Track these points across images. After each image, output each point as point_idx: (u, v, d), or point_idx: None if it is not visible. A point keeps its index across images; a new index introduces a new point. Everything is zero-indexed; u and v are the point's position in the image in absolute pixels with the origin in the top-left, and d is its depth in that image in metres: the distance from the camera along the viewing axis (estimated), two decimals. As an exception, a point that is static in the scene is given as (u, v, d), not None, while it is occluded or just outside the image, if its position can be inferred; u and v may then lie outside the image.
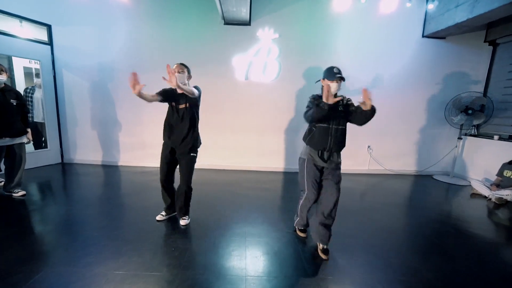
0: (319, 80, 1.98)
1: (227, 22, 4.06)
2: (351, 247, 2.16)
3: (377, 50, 4.24)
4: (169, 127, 2.27)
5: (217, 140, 4.44)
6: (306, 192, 2.04)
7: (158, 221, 2.45)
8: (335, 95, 1.87)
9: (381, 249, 2.14)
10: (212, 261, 1.88)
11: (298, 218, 2.24)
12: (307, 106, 1.97)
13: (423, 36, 4.24)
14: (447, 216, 2.94)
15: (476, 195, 3.68)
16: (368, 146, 4.59)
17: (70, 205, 2.77)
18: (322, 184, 2.02)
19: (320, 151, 1.96)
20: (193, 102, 2.25)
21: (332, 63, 4.25)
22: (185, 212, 2.43)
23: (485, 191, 3.59)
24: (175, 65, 2.22)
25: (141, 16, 4.05)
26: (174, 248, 2.01)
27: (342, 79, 1.84)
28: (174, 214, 2.58)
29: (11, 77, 4.66)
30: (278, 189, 3.68)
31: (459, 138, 4.38)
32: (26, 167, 4.04)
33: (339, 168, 2.01)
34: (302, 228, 2.29)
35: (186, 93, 2.07)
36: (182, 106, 2.21)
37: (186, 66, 2.27)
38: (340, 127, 1.93)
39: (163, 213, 2.53)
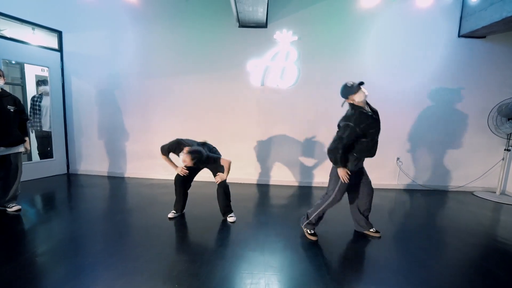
0: (344, 102, 2.11)
1: (242, 25, 3.79)
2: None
3: (407, 52, 3.82)
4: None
5: (230, 150, 4.08)
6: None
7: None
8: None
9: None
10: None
11: (311, 220, 2.29)
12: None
13: (459, 36, 3.80)
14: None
15: (535, 218, 3.10)
16: (397, 158, 4.09)
17: (69, 222, 2.47)
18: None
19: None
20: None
21: (356, 67, 3.92)
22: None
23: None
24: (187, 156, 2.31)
25: (151, 20, 3.85)
26: (177, 284, 1.63)
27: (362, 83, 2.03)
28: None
29: (23, 85, 4.57)
30: (294, 205, 3.25)
31: (507, 150, 3.81)
32: (30, 178, 3.89)
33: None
34: (313, 231, 2.33)
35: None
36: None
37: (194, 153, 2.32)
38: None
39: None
